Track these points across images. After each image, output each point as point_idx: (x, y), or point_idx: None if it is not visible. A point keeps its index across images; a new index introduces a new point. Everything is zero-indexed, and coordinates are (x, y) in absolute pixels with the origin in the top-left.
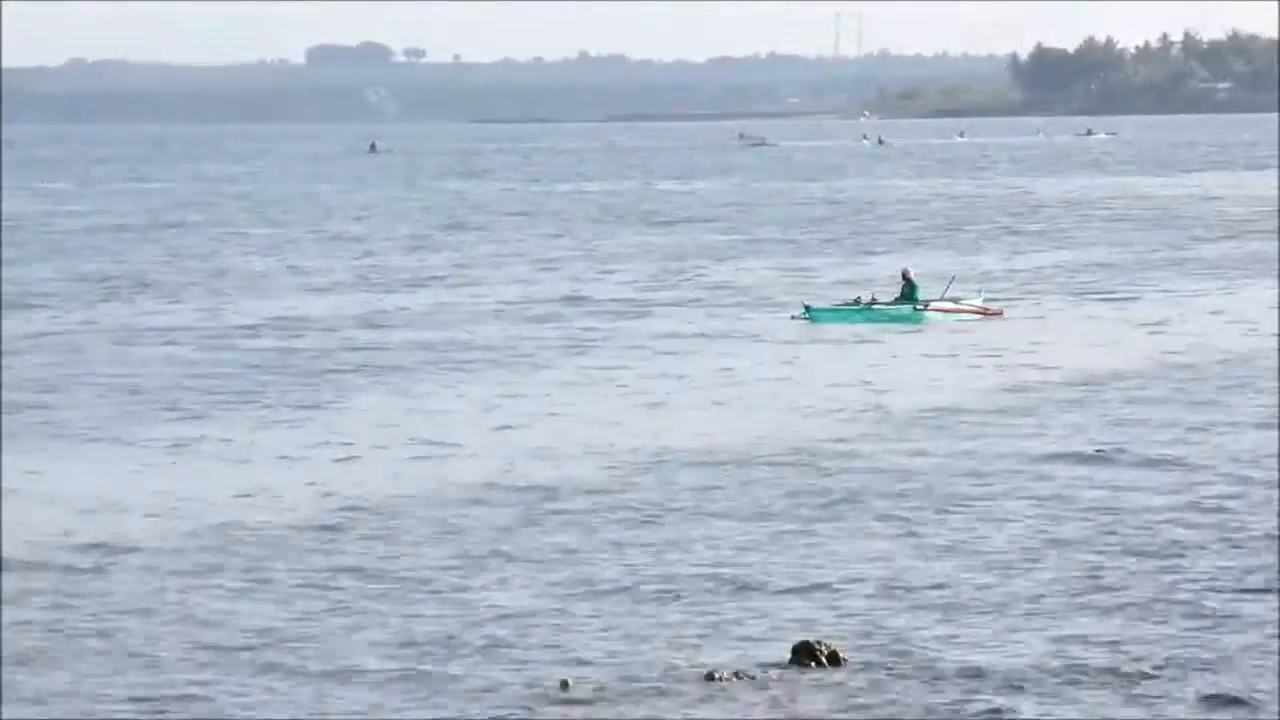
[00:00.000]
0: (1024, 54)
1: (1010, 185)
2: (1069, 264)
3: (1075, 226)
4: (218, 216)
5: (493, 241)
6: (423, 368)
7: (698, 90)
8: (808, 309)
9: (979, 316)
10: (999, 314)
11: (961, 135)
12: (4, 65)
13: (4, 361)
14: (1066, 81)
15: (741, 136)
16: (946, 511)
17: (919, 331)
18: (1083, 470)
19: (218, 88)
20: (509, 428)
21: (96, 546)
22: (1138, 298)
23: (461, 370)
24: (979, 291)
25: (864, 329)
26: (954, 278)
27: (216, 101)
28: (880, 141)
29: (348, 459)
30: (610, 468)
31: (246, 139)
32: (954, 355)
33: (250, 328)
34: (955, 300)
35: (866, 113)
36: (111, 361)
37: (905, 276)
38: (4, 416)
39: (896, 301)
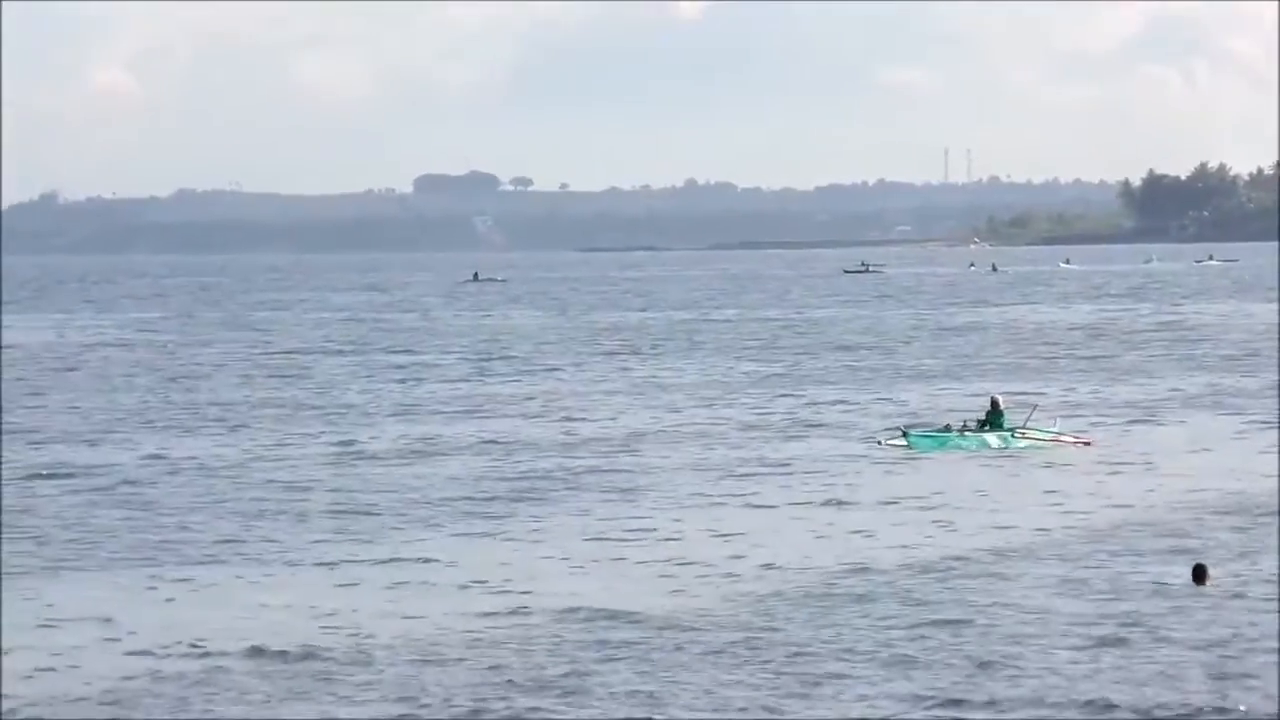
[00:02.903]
0: (1136, 180)
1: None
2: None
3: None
4: (371, 344)
5: (640, 367)
6: (579, 490)
7: (805, 218)
8: (905, 433)
9: (1070, 444)
10: (1088, 443)
11: (1067, 262)
12: (116, 196)
13: (208, 485)
14: (1179, 208)
15: (863, 264)
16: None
17: (1018, 457)
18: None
19: (326, 217)
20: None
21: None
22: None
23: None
24: (1055, 420)
25: (961, 454)
26: (1036, 406)
27: (325, 231)
28: (994, 269)
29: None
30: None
31: (357, 269)
32: (1059, 482)
33: (443, 450)
34: (1041, 428)
35: (976, 239)
36: (308, 483)
37: (994, 403)
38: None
39: (981, 427)
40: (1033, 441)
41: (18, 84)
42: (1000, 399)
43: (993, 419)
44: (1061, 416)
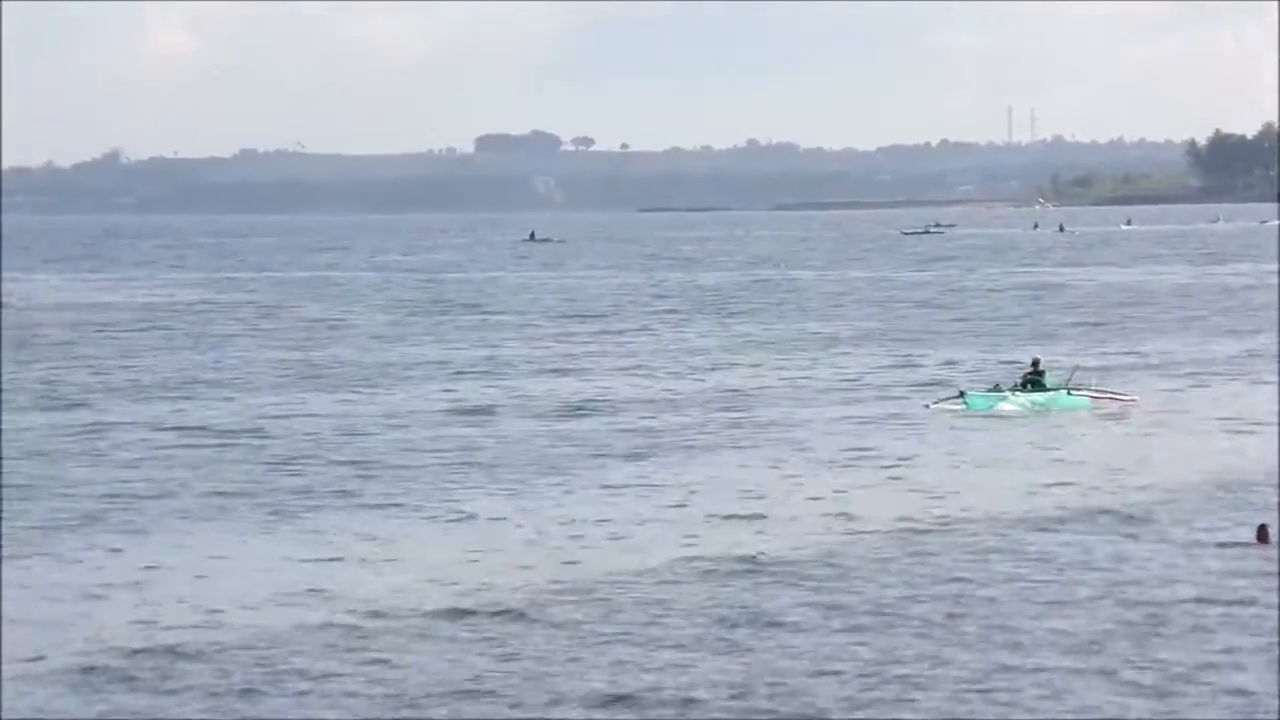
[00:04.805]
0: (1202, 140)
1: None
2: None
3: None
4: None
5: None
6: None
7: (867, 178)
8: (962, 394)
9: (1121, 402)
10: (1134, 400)
11: (1129, 223)
12: (178, 156)
13: (329, 439)
14: (1245, 167)
15: (929, 226)
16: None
17: (1073, 416)
18: None
19: (387, 177)
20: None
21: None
22: None
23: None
24: (1092, 381)
25: (1016, 412)
26: (1078, 367)
27: (385, 191)
28: (1061, 229)
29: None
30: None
31: (423, 230)
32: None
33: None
34: (1089, 387)
35: (1041, 200)
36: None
37: (1035, 365)
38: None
39: (1023, 387)
40: (1085, 400)
41: (80, 43)
42: (1040, 359)
43: (1034, 379)
44: (1093, 378)
